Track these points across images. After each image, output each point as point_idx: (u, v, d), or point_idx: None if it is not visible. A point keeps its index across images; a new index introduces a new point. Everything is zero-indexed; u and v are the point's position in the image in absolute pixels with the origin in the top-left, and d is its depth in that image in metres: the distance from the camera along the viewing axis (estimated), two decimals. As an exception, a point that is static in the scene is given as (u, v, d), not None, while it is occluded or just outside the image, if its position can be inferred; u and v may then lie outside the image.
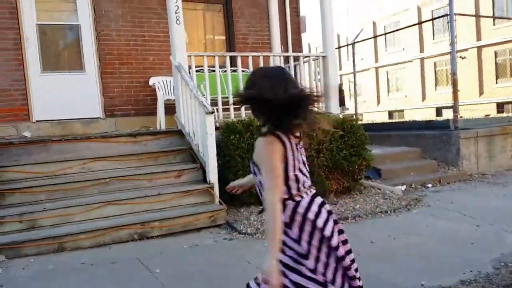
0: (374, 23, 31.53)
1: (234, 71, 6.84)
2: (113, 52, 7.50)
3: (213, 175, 5.24)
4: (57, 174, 4.99)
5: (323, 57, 7.11)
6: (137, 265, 3.82)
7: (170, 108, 6.82)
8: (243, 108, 6.43)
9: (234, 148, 5.37)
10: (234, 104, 6.39)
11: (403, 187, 6.45)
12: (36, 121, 6.95)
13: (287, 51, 8.73)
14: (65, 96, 7.12)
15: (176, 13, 5.97)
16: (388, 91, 31.57)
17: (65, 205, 4.59)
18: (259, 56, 6.67)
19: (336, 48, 7.84)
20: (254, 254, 4.01)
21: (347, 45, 13.86)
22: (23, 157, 5.11)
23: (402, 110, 28.61)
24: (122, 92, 7.55)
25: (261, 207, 2.07)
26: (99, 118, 7.38)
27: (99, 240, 4.37)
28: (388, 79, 31.59)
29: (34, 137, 6.20)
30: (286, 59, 7.30)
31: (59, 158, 5.17)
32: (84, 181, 4.93)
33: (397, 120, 13.01)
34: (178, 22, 6.02)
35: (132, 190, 5.04)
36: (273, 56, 7.12)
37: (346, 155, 5.93)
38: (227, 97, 6.51)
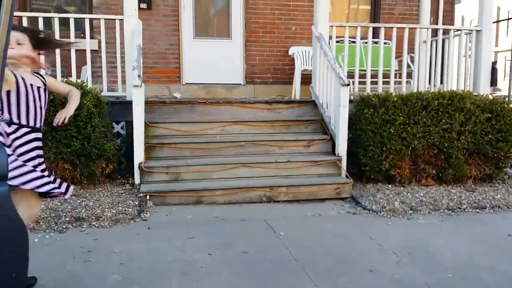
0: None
1: (376, 43, 6.63)
2: (259, 21, 7.79)
3: (342, 147, 5.27)
4: (199, 134, 5.49)
5: (477, 31, 6.49)
6: (263, 225, 4.09)
7: (306, 78, 6.92)
8: (380, 82, 6.26)
9: (367, 122, 5.30)
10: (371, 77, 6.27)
11: (558, 182, 5.72)
12: (186, 83, 7.64)
13: (436, 23, 8.13)
14: (212, 62, 7.66)
15: (323, -20, 5.95)
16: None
17: (204, 162, 5.05)
18: (404, 28, 6.36)
19: (493, 22, 7.07)
20: (377, 230, 3.99)
21: (508, 19, 12.32)
22: (172, 115, 5.70)
23: None
24: (262, 61, 7.86)
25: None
26: (240, 84, 7.82)
27: (231, 198, 4.75)
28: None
29: (183, 98, 6.85)
30: (435, 32, 6.82)
31: (203, 119, 5.65)
32: (222, 142, 5.33)
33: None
34: (324, -10, 6.00)
35: (264, 155, 5.32)
36: (420, 28, 6.72)
37: (492, 140, 5.46)
38: (365, 70, 6.37)
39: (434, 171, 5.46)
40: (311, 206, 4.74)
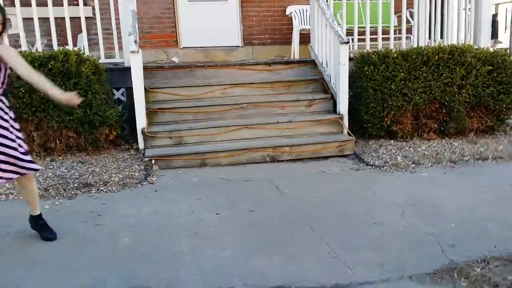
0: None
1: (375, -2, 6.51)
2: (254, -21, 7.62)
3: (343, 106, 5.27)
4: (200, 98, 5.48)
5: (478, -19, 6.37)
6: (268, 184, 4.15)
7: (305, 38, 6.83)
8: (379, 39, 6.19)
9: (367, 79, 5.29)
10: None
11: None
12: (183, 47, 7.55)
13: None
14: (209, 25, 7.55)
15: None
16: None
17: (207, 125, 5.07)
18: (403, -19, 6.23)
19: (494, -29, 6.92)
20: (380, 185, 4.06)
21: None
22: (171, 80, 5.67)
23: None
24: (260, 21, 7.74)
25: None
26: (238, 46, 7.73)
27: (235, 159, 4.80)
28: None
29: (181, 62, 6.79)
30: (435, -16, 6.68)
31: (202, 82, 5.63)
32: (223, 105, 5.33)
33: None
34: None
35: (265, 116, 5.33)
36: (419, -20, 6.58)
37: (493, 92, 5.46)
38: (364, 27, 6.29)
39: (436, 125, 5.48)
40: (315, 164, 4.79)
